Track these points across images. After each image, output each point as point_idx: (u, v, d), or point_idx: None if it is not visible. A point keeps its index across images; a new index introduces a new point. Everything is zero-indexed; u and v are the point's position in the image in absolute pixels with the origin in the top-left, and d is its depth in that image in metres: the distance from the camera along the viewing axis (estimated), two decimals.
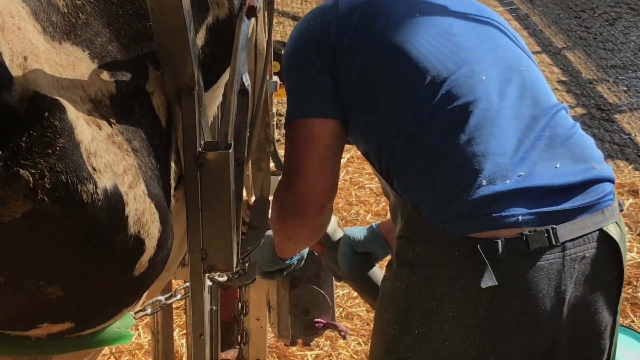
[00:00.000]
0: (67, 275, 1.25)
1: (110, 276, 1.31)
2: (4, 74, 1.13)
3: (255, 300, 2.84)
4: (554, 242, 1.84)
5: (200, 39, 1.55)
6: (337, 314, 3.05)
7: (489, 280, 1.80)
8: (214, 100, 1.73)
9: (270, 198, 2.44)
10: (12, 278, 1.21)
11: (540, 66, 2.17)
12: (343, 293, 3.97)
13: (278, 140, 3.23)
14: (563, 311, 1.88)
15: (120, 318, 1.45)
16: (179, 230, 1.53)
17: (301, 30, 2.09)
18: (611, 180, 1.97)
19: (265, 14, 2.17)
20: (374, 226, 2.48)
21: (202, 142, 1.49)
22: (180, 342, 3.63)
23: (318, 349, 3.74)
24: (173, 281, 2.81)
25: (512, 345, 1.89)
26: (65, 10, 1.30)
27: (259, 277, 2.41)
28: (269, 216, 2.24)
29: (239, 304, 2.50)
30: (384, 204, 4.80)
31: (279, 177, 2.13)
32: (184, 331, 3.52)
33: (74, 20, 1.31)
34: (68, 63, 1.26)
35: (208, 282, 1.62)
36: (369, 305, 2.62)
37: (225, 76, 1.65)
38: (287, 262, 2.36)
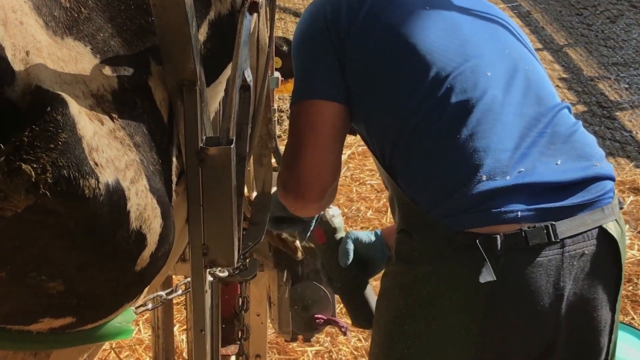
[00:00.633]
0: (68, 270, 1.25)
1: (111, 271, 1.31)
2: (7, 69, 1.12)
3: (256, 296, 2.85)
4: (553, 239, 1.84)
5: (202, 34, 1.55)
6: (337, 310, 3.05)
7: (487, 276, 1.81)
8: (215, 96, 1.73)
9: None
10: (14, 273, 1.21)
11: (542, 63, 2.17)
12: None
13: (279, 137, 3.23)
14: (561, 307, 1.88)
15: (121, 313, 1.45)
16: (178, 224, 1.53)
17: (311, 14, 2.10)
18: (612, 178, 1.98)
19: (267, 10, 2.17)
20: (378, 233, 2.49)
21: (204, 138, 1.48)
22: (180, 337, 3.64)
23: (318, 345, 3.74)
24: (174, 276, 2.82)
25: (511, 341, 1.89)
26: (68, 5, 1.30)
27: (268, 228, 2.35)
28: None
29: (240, 300, 2.50)
30: (384, 200, 4.80)
31: None
32: (185, 327, 3.53)
33: (76, 15, 1.31)
34: (70, 58, 1.26)
35: (209, 277, 1.62)
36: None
37: (227, 72, 1.65)
38: None
